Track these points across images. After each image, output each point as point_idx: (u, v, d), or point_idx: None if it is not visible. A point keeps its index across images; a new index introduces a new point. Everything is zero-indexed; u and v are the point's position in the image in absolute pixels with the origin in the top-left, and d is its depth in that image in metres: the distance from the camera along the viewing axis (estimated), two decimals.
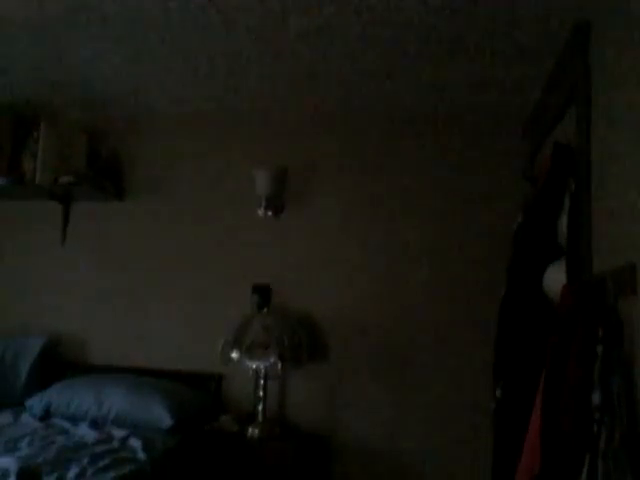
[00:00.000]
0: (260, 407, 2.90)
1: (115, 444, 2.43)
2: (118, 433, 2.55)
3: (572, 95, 2.11)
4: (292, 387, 3.10)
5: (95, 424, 2.68)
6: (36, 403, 2.82)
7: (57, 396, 2.83)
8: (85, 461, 2.18)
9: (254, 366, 2.89)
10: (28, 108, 3.29)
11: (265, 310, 3.08)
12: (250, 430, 2.82)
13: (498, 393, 2.18)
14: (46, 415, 2.78)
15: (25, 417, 2.77)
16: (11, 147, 3.24)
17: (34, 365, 3.12)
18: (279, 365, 2.86)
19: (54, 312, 3.35)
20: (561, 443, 1.53)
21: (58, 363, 3.24)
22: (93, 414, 2.73)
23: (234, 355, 2.87)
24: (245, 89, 2.98)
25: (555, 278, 1.94)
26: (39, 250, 3.43)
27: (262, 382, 2.91)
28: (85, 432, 2.58)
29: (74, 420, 2.72)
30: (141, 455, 2.34)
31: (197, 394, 3.02)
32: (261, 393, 2.91)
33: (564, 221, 1.96)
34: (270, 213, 3.17)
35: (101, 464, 2.17)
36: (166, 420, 2.66)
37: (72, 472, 2.07)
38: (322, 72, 2.73)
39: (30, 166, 3.16)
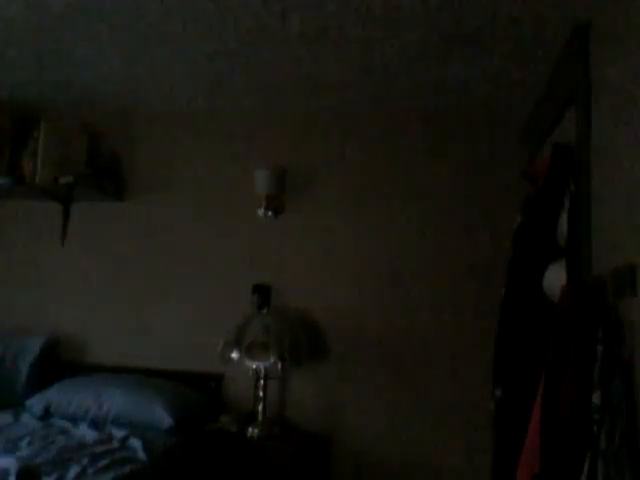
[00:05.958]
0: (260, 407, 2.90)
1: (115, 444, 2.43)
2: (118, 433, 2.55)
3: (572, 95, 2.11)
4: (292, 387, 3.10)
5: (95, 424, 2.68)
6: (36, 403, 2.82)
7: (57, 396, 2.83)
8: (85, 461, 2.17)
9: (254, 366, 2.89)
10: (28, 108, 3.29)
11: (265, 310, 3.08)
12: (250, 430, 2.82)
13: (498, 393, 2.18)
14: (46, 415, 2.78)
15: (25, 417, 2.77)
16: (11, 147, 3.24)
17: (34, 365, 3.12)
18: (279, 365, 2.86)
19: (54, 312, 3.34)
20: (561, 443, 1.53)
21: (58, 363, 3.24)
22: (93, 414, 2.73)
23: (234, 355, 2.87)
24: (245, 89, 2.98)
25: (555, 278, 1.94)
26: (39, 250, 3.43)
27: (262, 382, 2.91)
28: (85, 432, 2.58)
29: (74, 420, 2.72)
30: (141, 455, 2.34)
31: (197, 394, 3.02)
32: (261, 393, 2.91)
33: (564, 221, 1.96)
34: (270, 213, 3.16)
35: (101, 464, 2.17)
36: (166, 420, 2.66)
37: (72, 472, 2.06)
38: (322, 72, 2.73)
39: (30, 166, 3.16)
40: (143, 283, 3.31)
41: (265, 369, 2.89)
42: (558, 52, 2.25)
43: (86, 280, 3.36)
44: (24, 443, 2.36)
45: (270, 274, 3.16)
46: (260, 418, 2.88)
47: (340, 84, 2.86)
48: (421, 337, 3.02)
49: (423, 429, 2.97)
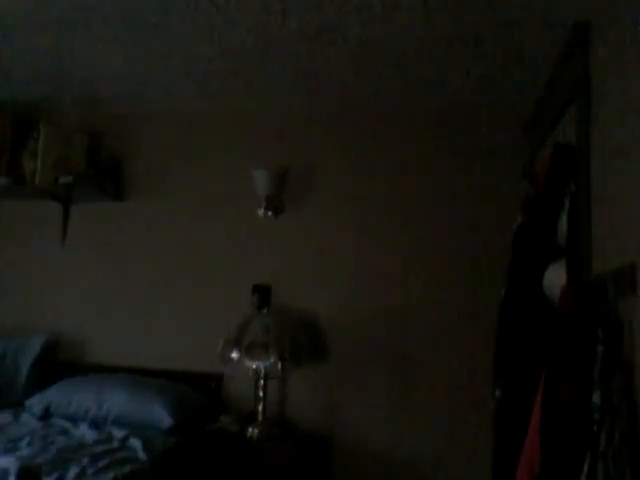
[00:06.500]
0: (260, 407, 2.90)
1: (115, 444, 2.43)
2: (118, 433, 2.54)
3: (572, 95, 2.11)
4: (292, 387, 3.10)
5: (95, 424, 2.67)
6: (36, 403, 2.82)
7: (57, 396, 2.83)
8: (85, 461, 2.17)
9: (254, 366, 2.89)
10: (28, 108, 3.29)
11: (265, 310, 3.08)
12: (250, 430, 2.82)
13: (497, 393, 2.18)
14: (46, 415, 2.77)
15: (25, 417, 2.76)
16: (11, 147, 3.24)
17: (34, 365, 3.12)
18: (279, 365, 2.86)
19: (54, 312, 3.34)
20: (561, 443, 1.53)
21: (58, 363, 3.24)
22: (93, 414, 2.72)
23: (234, 355, 2.87)
24: (245, 89, 2.98)
25: (555, 278, 1.94)
26: (39, 250, 3.42)
27: (262, 382, 2.91)
28: (85, 432, 2.57)
29: (74, 420, 2.72)
30: (141, 455, 2.34)
31: (197, 394, 3.02)
32: (261, 393, 2.91)
33: (564, 221, 1.96)
34: (270, 213, 3.16)
35: (101, 464, 2.16)
36: (166, 420, 2.65)
37: (72, 472, 2.06)
38: (322, 72, 2.73)
39: (30, 166, 3.16)
40: (143, 283, 3.30)
41: (265, 369, 2.89)
42: (558, 52, 2.24)
43: (86, 280, 3.36)
44: (24, 443, 2.36)
45: (270, 274, 3.16)
46: (260, 418, 2.88)
47: (340, 84, 2.86)
48: (421, 337, 3.02)
49: (423, 429, 2.97)
